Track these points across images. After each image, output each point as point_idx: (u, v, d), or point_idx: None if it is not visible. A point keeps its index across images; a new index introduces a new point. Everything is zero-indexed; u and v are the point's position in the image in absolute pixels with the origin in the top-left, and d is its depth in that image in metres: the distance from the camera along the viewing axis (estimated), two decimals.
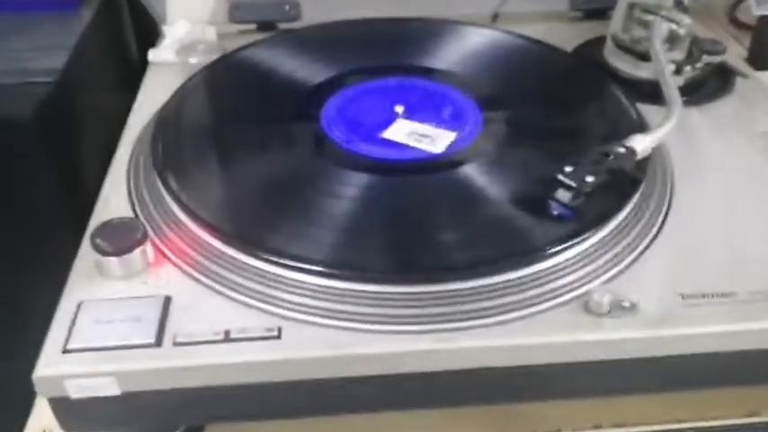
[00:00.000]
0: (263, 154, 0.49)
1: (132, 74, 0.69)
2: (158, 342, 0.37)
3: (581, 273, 0.40)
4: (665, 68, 0.52)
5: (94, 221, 0.44)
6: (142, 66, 0.64)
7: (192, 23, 0.64)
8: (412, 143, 0.49)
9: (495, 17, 0.71)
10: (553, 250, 0.40)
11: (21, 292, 0.57)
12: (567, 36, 0.66)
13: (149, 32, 0.69)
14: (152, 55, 0.62)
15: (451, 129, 0.50)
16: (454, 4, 0.69)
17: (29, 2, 0.61)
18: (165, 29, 0.64)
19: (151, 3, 0.61)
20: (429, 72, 0.57)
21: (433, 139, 0.49)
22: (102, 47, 0.64)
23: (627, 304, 0.38)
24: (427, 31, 0.62)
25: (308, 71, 0.57)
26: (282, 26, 0.68)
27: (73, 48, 0.56)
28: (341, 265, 0.39)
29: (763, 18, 0.67)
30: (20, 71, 0.54)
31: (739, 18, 0.78)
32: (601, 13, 0.70)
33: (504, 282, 0.39)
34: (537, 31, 0.65)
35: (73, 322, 0.38)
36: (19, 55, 0.56)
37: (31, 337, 0.42)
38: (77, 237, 0.45)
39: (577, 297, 0.39)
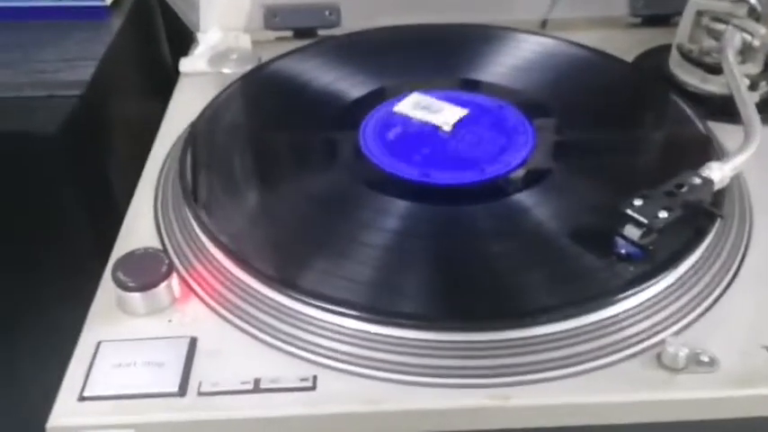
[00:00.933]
0: (301, 180, 0.46)
1: (166, 82, 0.66)
2: (182, 391, 0.34)
3: (652, 321, 0.36)
4: (740, 84, 0.49)
5: (118, 250, 0.42)
6: (176, 74, 0.61)
7: (225, 31, 0.62)
8: (418, 114, 0.48)
9: (544, 23, 0.67)
10: (621, 295, 0.36)
11: (43, 310, 0.55)
12: (625, 45, 0.62)
13: (184, 38, 0.67)
14: (183, 65, 0.60)
15: (502, 152, 0.46)
16: (500, 8, 0.65)
17: (58, 11, 0.59)
18: (198, 36, 0.61)
19: (183, 10, 0.58)
20: (478, 85, 0.54)
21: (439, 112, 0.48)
22: (133, 56, 0.62)
23: (706, 359, 0.34)
24: (477, 39, 0.59)
25: (348, 83, 0.54)
26: (321, 33, 0.64)
27: (101, 59, 0.54)
28: (380, 308, 0.36)
29: None
30: (47, 83, 0.52)
31: None
32: (663, 20, 0.66)
33: (565, 331, 0.35)
34: (592, 39, 0.61)
35: (91, 365, 0.35)
36: (47, 66, 0.54)
37: (55, 356, 0.40)
38: (103, 254, 0.43)
39: (648, 349, 0.35)
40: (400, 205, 0.42)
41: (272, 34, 0.65)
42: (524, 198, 0.43)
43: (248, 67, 0.59)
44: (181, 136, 0.51)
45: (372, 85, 0.54)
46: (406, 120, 0.50)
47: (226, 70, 0.59)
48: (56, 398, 0.34)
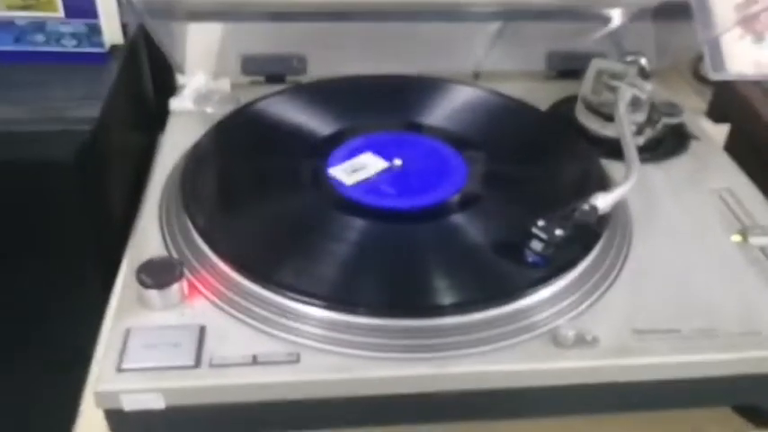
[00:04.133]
0: (277, 200, 0.56)
1: (150, 117, 0.76)
2: (197, 364, 0.43)
3: (550, 311, 0.47)
4: (626, 131, 0.60)
5: (131, 259, 0.51)
6: (158, 110, 0.71)
7: (208, 75, 0.72)
8: (351, 179, 0.58)
9: (476, 75, 0.79)
10: (527, 291, 0.47)
11: (51, 328, 0.64)
12: (543, 94, 0.73)
13: (163, 79, 0.77)
14: (173, 104, 0.69)
15: (441, 182, 0.58)
16: (439, 60, 0.76)
17: (64, 56, 0.67)
18: (185, 80, 0.71)
19: (172, 55, 0.68)
20: (421, 127, 0.65)
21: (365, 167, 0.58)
22: (128, 94, 0.70)
23: (589, 338, 0.46)
24: (422, 88, 0.70)
25: (318, 122, 0.65)
26: (290, 78, 0.75)
27: (105, 97, 0.63)
28: (346, 301, 0.46)
29: None
30: (60, 119, 0.59)
31: (702, 73, 0.87)
32: (574, 74, 0.77)
33: (485, 318, 0.46)
34: (517, 88, 0.72)
35: (124, 346, 0.44)
36: (57, 104, 0.62)
37: (61, 372, 0.49)
38: (107, 265, 0.51)
39: (547, 332, 0.46)
40: (361, 223, 0.53)
41: (247, 79, 0.75)
42: (458, 218, 0.54)
43: (228, 107, 0.69)
44: (176, 164, 0.61)
45: (337, 125, 0.64)
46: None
47: (209, 110, 0.69)
48: (96, 372, 0.43)
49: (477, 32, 0.80)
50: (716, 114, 0.82)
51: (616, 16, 0.81)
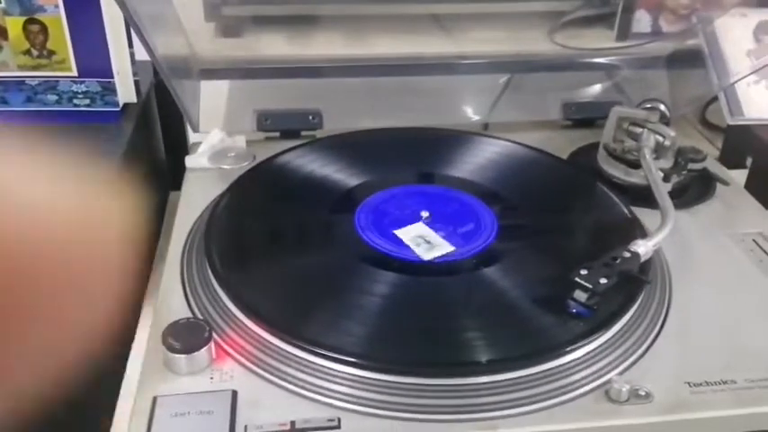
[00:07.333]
0: (305, 255, 0.55)
1: (162, 173, 0.75)
2: None
3: (600, 364, 0.45)
4: (656, 179, 0.59)
5: (157, 325, 0.48)
6: (167, 165, 0.69)
7: (223, 132, 0.71)
8: (412, 245, 0.55)
9: (485, 126, 0.78)
10: (575, 345, 0.45)
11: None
12: (557, 144, 0.73)
13: (174, 137, 0.76)
14: (189, 161, 0.68)
15: (466, 236, 0.56)
16: (447, 112, 0.77)
17: (77, 114, 0.66)
18: (195, 137, 0.70)
19: (188, 111, 0.67)
20: (447, 179, 0.64)
21: (432, 247, 0.55)
22: (142, 150, 0.69)
23: (643, 393, 0.44)
24: (441, 140, 0.69)
25: (343, 175, 0.64)
26: (304, 134, 0.74)
27: (122, 154, 0.62)
28: (386, 360, 0.44)
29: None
30: None
31: (709, 119, 0.87)
32: (589, 122, 0.77)
33: (535, 374, 0.44)
34: (532, 138, 0.72)
35: (151, 415, 0.41)
36: None
37: None
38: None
39: (598, 387, 0.44)
40: (398, 278, 0.51)
41: (262, 135, 0.74)
42: (493, 272, 0.52)
43: (244, 164, 0.68)
44: (196, 222, 0.59)
45: (361, 178, 0.63)
46: (394, 210, 0.59)
47: (225, 166, 0.68)
48: None
49: (485, 85, 0.80)
50: (729, 159, 0.81)
51: (627, 65, 0.82)
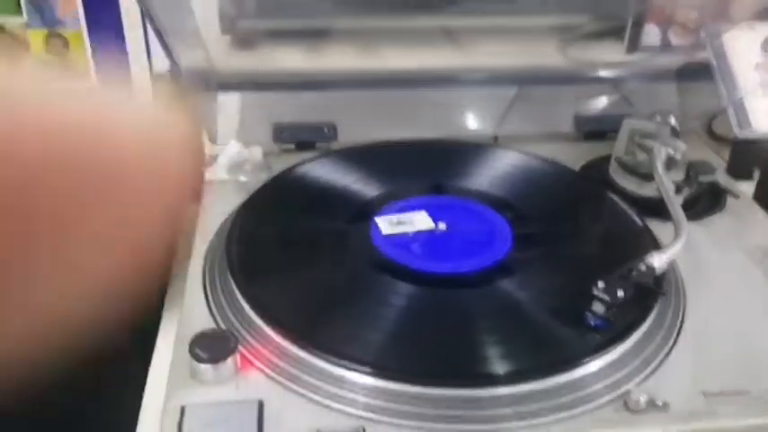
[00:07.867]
0: (329, 265, 0.56)
1: None
2: None
3: (618, 375, 0.46)
4: (669, 191, 0.60)
5: (181, 335, 0.49)
6: None
7: (240, 144, 0.72)
8: (396, 230, 0.58)
9: (496, 138, 0.79)
10: (596, 356, 0.46)
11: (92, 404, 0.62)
12: (569, 156, 0.73)
13: None
14: (207, 173, 0.69)
15: (487, 247, 0.57)
16: (459, 125, 0.78)
17: None
18: (218, 149, 0.71)
19: (207, 125, 0.68)
20: (461, 190, 0.65)
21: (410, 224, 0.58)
22: None
23: (660, 403, 0.44)
24: (455, 152, 0.70)
25: (360, 186, 0.65)
26: (319, 146, 0.75)
27: None
28: (410, 371, 0.45)
29: None
30: None
31: (715, 131, 0.88)
32: (600, 135, 0.78)
33: (558, 384, 0.44)
34: (543, 151, 0.72)
35: (180, 425, 0.42)
36: None
37: None
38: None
39: (618, 397, 0.45)
40: (423, 290, 0.52)
41: (278, 147, 0.75)
42: (510, 283, 0.53)
43: (261, 175, 0.68)
44: (217, 233, 0.60)
45: (377, 189, 0.64)
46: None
47: (242, 178, 0.69)
48: None
49: (495, 97, 0.81)
50: (736, 171, 0.82)
51: (637, 78, 0.83)
